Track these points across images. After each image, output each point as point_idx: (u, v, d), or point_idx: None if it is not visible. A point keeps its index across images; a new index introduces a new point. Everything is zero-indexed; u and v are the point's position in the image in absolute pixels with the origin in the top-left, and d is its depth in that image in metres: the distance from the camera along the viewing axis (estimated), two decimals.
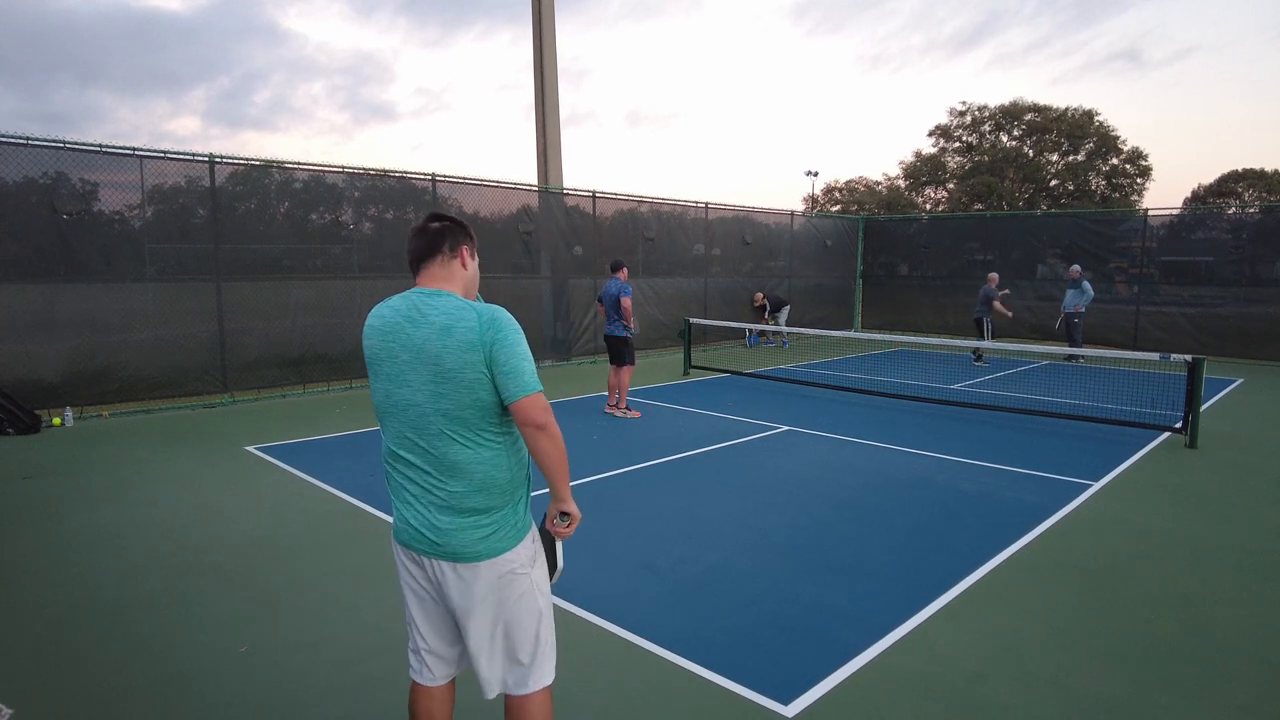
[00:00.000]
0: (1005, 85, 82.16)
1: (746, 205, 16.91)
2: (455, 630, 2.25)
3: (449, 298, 2.12)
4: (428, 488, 2.11)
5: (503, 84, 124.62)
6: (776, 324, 15.88)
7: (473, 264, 2.25)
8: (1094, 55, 69.12)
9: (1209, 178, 49.10)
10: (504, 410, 2.09)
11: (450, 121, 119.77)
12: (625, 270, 8.74)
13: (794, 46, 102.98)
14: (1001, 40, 76.90)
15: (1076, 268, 14.15)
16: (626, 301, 8.55)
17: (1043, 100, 42.87)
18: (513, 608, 2.17)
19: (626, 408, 8.81)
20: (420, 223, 2.24)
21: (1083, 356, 13.39)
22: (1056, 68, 71.58)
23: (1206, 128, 71.79)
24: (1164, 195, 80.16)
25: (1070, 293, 13.76)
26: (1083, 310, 13.64)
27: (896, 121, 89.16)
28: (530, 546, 2.22)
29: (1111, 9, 71.89)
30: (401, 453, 2.13)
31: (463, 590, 2.13)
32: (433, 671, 2.30)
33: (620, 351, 8.68)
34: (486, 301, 2.21)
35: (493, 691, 2.22)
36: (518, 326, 2.10)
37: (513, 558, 2.15)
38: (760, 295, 16.14)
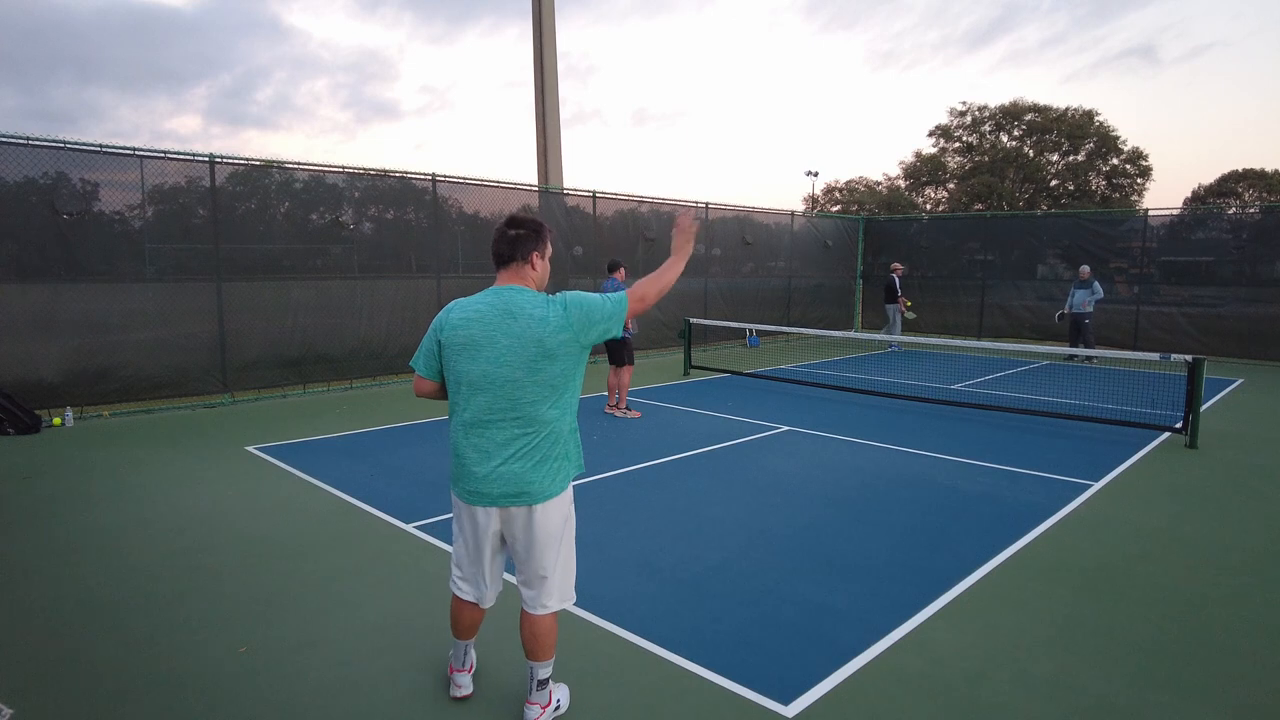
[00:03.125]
0: (1017, 82, 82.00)
1: (747, 205, 16.91)
2: (495, 568, 2.84)
3: (531, 294, 2.66)
4: (522, 443, 2.62)
5: (508, 81, 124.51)
6: (890, 327, 15.55)
7: (542, 263, 2.76)
8: (1107, 52, 68.94)
9: (1209, 178, 49.15)
10: (571, 376, 2.66)
11: (454, 120, 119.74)
12: (622, 270, 8.71)
13: (805, 43, 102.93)
14: (1017, 36, 76.77)
15: (1086, 268, 14.19)
16: None
17: (1052, 98, 42.95)
18: (567, 537, 2.79)
19: (627, 408, 8.80)
20: (501, 228, 2.72)
21: (1096, 358, 13.35)
22: (1070, 65, 71.41)
23: (1209, 127, 71.78)
24: (1164, 195, 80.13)
25: (1080, 293, 13.84)
26: (1090, 310, 13.72)
27: (901, 121, 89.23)
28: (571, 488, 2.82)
29: (1132, 3, 71.49)
30: (494, 419, 2.62)
31: (531, 526, 2.67)
32: (473, 594, 2.89)
33: (619, 352, 8.68)
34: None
35: (540, 609, 2.77)
36: (577, 292, 2.68)
37: (569, 495, 2.77)
38: (899, 268, 15.88)
